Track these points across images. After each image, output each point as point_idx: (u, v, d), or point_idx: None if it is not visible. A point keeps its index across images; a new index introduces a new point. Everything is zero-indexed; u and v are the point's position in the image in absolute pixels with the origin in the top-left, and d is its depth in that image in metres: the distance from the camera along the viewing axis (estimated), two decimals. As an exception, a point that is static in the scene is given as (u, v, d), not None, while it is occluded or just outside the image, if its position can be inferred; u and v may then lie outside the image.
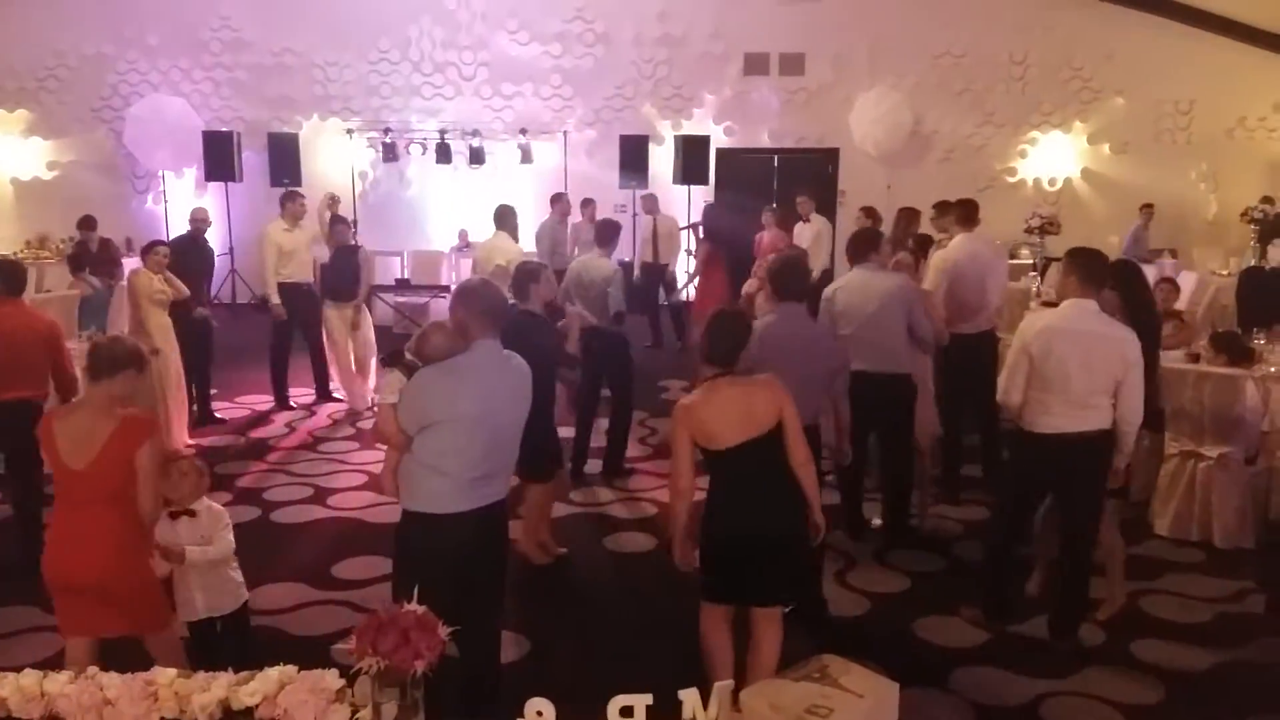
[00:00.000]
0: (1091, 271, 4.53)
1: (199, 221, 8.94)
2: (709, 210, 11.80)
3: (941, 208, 8.53)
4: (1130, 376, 4.44)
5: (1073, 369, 4.40)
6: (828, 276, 10.73)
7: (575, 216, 11.63)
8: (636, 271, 11.95)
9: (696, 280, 11.19)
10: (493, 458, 3.60)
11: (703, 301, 10.22)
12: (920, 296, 5.87)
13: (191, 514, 3.97)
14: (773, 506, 3.79)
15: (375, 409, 8.14)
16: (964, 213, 7.01)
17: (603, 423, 7.40)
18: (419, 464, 3.53)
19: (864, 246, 5.87)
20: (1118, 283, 4.97)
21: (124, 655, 3.52)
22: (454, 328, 3.63)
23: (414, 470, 3.56)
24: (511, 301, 7.27)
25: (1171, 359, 6.25)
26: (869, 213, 10.04)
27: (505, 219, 8.35)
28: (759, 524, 3.77)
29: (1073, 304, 4.51)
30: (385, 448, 3.72)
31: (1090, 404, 4.44)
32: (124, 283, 9.50)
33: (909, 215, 8.82)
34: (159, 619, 3.74)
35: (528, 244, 9.91)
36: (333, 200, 9.67)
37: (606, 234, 7.34)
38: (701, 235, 11.34)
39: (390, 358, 3.71)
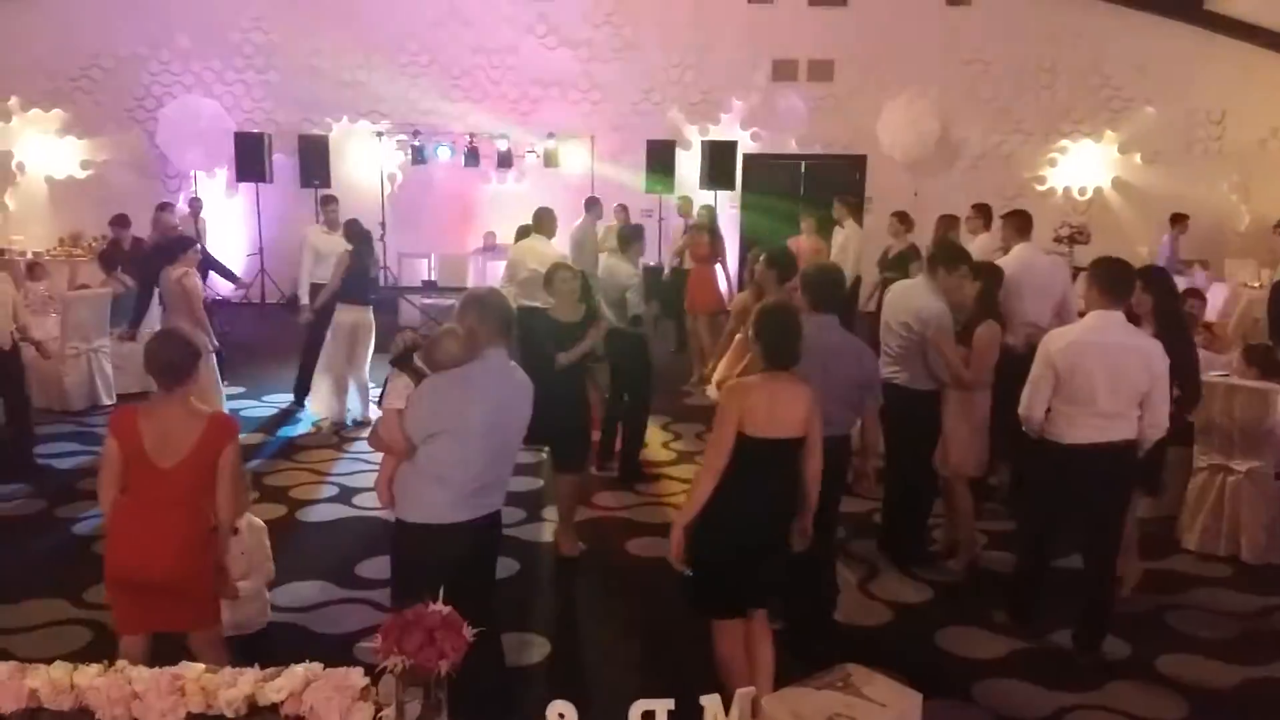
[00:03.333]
0: (1114, 282, 4.49)
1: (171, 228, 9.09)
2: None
3: (977, 210, 8.54)
4: (1156, 388, 4.41)
5: (1099, 382, 4.36)
6: (856, 283, 10.68)
7: (608, 220, 11.65)
8: (667, 273, 11.83)
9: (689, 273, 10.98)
10: (494, 469, 3.58)
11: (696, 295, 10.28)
12: (943, 330, 5.37)
13: (235, 531, 3.88)
14: (778, 513, 3.81)
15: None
16: (1020, 223, 6.78)
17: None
18: (420, 473, 3.49)
19: (934, 261, 5.62)
20: (1152, 289, 4.98)
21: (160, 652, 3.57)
22: (465, 335, 3.58)
23: (413, 480, 3.52)
24: (530, 303, 7.41)
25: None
26: (902, 218, 10.01)
27: (542, 222, 8.36)
28: (763, 527, 3.78)
29: (1098, 315, 4.47)
30: (382, 455, 3.67)
31: (1116, 415, 4.40)
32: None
33: (947, 222, 8.82)
34: (212, 615, 3.72)
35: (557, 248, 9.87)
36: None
37: (629, 238, 7.40)
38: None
39: (399, 362, 3.65)
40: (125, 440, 3.54)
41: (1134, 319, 4.80)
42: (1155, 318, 4.97)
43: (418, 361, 3.58)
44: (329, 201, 9.44)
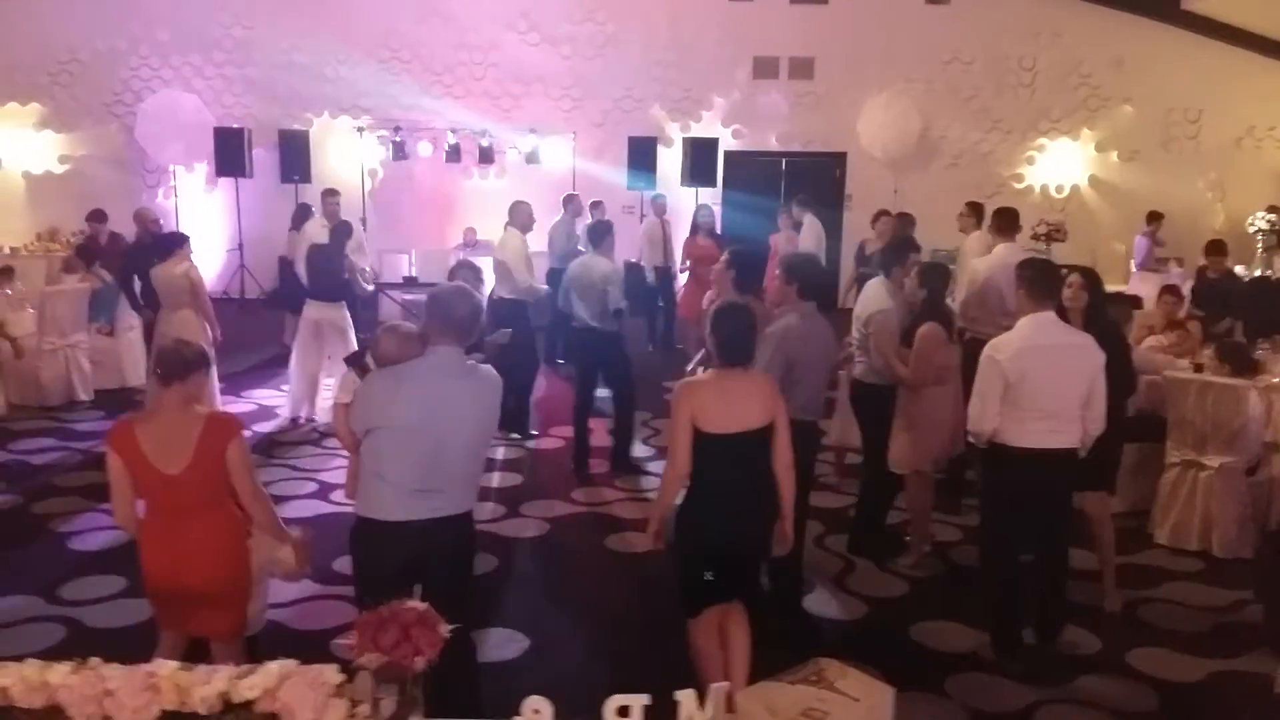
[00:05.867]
0: (1043, 283, 4.50)
1: (151, 223, 9.04)
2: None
3: (971, 208, 8.64)
4: (1098, 383, 4.43)
5: (1047, 386, 4.35)
6: None
7: (587, 217, 11.62)
8: (651, 275, 11.75)
9: (688, 280, 11.02)
10: (438, 469, 3.44)
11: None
12: (882, 329, 5.56)
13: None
14: (752, 509, 3.84)
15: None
16: (1000, 222, 7.06)
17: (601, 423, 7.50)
18: (365, 468, 3.50)
19: (885, 263, 5.99)
20: (1091, 289, 5.05)
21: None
22: (421, 332, 3.59)
23: (363, 474, 3.53)
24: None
25: (1178, 367, 6.35)
26: (902, 217, 10.10)
27: (514, 215, 8.37)
28: (736, 526, 3.81)
29: (1037, 320, 4.45)
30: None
31: (1064, 416, 4.40)
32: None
33: (903, 220, 9.01)
34: (244, 624, 3.74)
35: (539, 239, 9.85)
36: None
37: (599, 234, 7.43)
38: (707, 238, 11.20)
39: (351, 358, 3.74)
40: (125, 452, 3.50)
41: (1062, 316, 4.87)
42: (1085, 314, 4.99)
43: (367, 358, 3.62)
44: (330, 195, 9.45)
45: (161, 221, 9.62)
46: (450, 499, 3.52)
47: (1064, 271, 5.08)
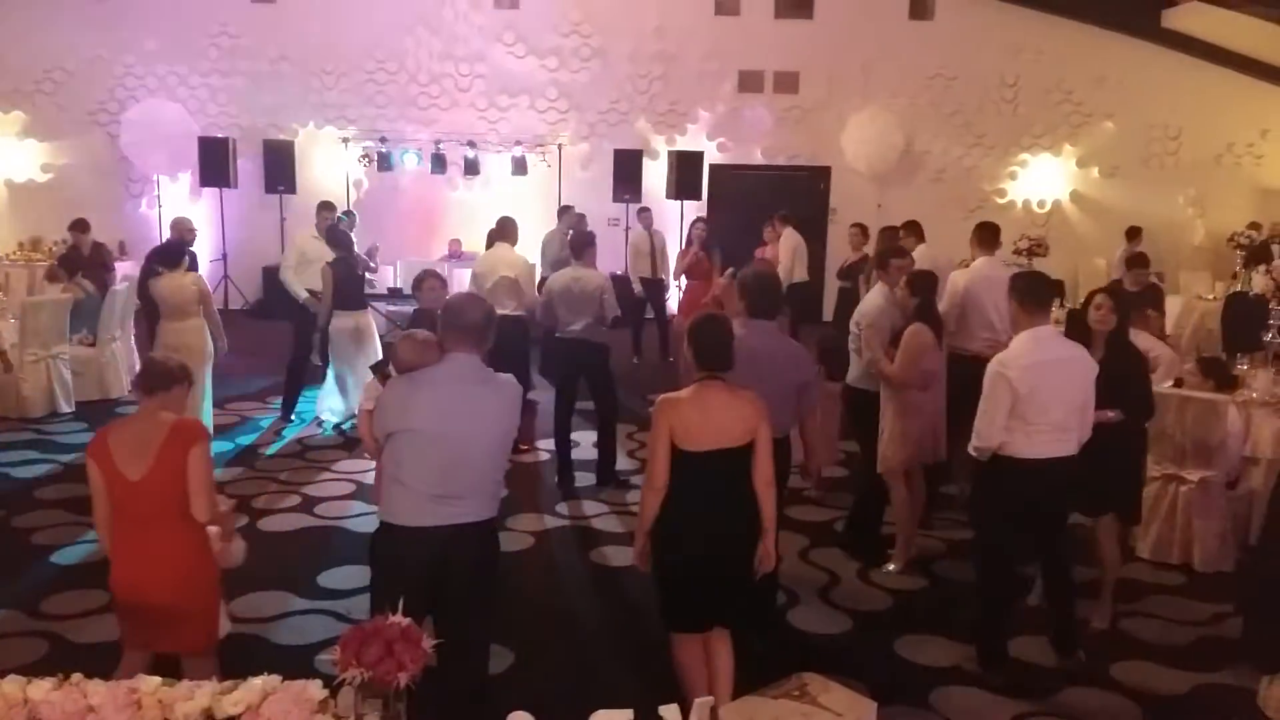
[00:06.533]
0: (1038, 296, 4.55)
1: (187, 232, 9.02)
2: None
3: (908, 227, 8.71)
4: (1091, 391, 4.52)
5: (1055, 398, 4.41)
6: (799, 289, 10.78)
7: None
8: (638, 286, 11.77)
9: (684, 290, 11.20)
10: (455, 476, 3.46)
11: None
12: (873, 325, 5.74)
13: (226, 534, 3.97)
14: (733, 525, 3.83)
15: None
16: (981, 236, 7.13)
17: (588, 435, 7.50)
18: (386, 474, 3.54)
19: (874, 264, 6.25)
20: (1120, 309, 5.11)
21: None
22: (427, 340, 3.67)
23: (384, 480, 3.57)
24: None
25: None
26: (862, 230, 10.18)
27: (506, 231, 8.39)
28: (719, 543, 3.80)
29: (1039, 334, 4.50)
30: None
31: (1067, 428, 4.47)
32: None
33: (887, 234, 9.10)
34: (212, 639, 3.73)
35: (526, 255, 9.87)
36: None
37: (582, 245, 7.44)
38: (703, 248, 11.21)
39: (375, 365, 3.85)
40: (99, 459, 3.52)
41: (1086, 335, 4.91)
42: (1109, 335, 5.04)
43: (389, 366, 3.71)
44: (326, 208, 9.49)
45: (196, 230, 9.54)
46: (470, 505, 3.52)
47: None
